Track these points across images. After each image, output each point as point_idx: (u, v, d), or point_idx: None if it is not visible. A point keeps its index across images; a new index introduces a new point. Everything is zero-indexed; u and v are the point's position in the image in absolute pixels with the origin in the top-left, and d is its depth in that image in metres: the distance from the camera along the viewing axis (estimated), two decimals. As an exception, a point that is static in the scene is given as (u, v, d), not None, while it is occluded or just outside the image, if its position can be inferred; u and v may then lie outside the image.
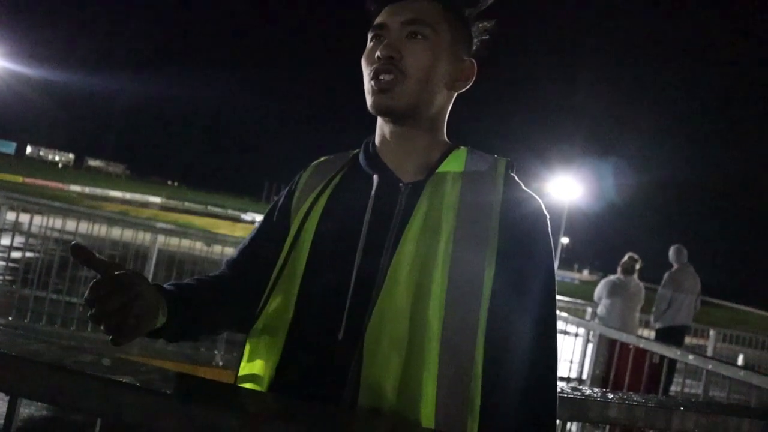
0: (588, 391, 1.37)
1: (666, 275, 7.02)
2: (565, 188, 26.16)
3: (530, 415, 0.94)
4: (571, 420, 1.35)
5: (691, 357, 3.61)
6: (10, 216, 5.94)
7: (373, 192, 1.01)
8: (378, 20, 1.05)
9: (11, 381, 0.78)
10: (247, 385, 1.01)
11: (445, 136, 1.10)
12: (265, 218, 1.15)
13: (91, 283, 0.80)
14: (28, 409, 3.51)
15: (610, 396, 1.35)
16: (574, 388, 1.38)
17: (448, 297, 0.92)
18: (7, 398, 0.80)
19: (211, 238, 7.15)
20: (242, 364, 1.04)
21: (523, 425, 0.94)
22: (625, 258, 6.74)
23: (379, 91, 1.00)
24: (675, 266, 7.07)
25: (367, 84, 1.02)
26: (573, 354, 6.66)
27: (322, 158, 1.17)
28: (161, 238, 6.27)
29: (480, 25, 1.10)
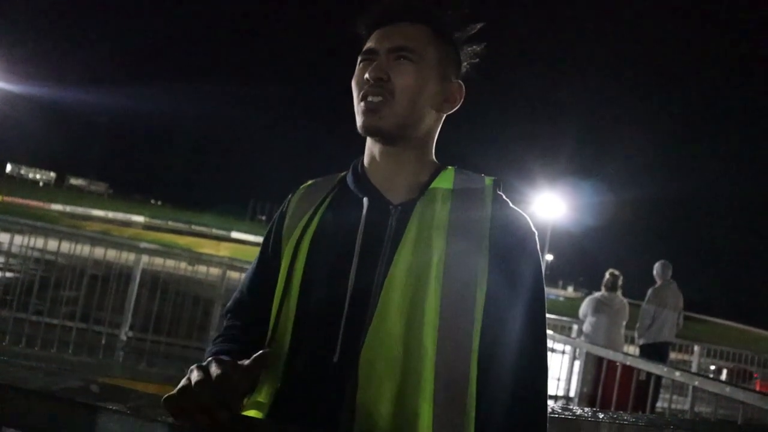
0: (579, 411, 1.37)
1: (649, 291, 7.07)
2: (550, 206, 26.37)
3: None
4: (563, 440, 1.35)
5: (677, 374, 3.63)
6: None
7: (363, 215, 1.01)
8: (368, 45, 1.07)
9: (-4, 409, 0.76)
10: (251, 411, 1.00)
11: (434, 157, 1.12)
12: (261, 250, 1.15)
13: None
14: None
15: (601, 416, 1.35)
16: (564, 408, 1.38)
17: (441, 318, 0.93)
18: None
19: (195, 258, 7.09)
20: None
21: None
22: (607, 275, 6.80)
23: (368, 111, 1.01)
24: (658, 282, 7.13)
25: (357, 105, 1.04)
26: (560, 371, 6.67)
27: (310, 182, 1.17)
28: (145, 258, 6.20)
29: (469, 48, 1.12)
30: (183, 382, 0.77)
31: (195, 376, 0.77)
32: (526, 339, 0.97)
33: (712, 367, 10.12)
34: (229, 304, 1.17)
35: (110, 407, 0.74)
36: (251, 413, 0.99)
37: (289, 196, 1.16)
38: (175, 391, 0.76)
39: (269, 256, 1.11)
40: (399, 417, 0.90)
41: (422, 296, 0.94)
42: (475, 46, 1.12)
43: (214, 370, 0.78)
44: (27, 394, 0.76)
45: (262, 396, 1.01)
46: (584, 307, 6.91)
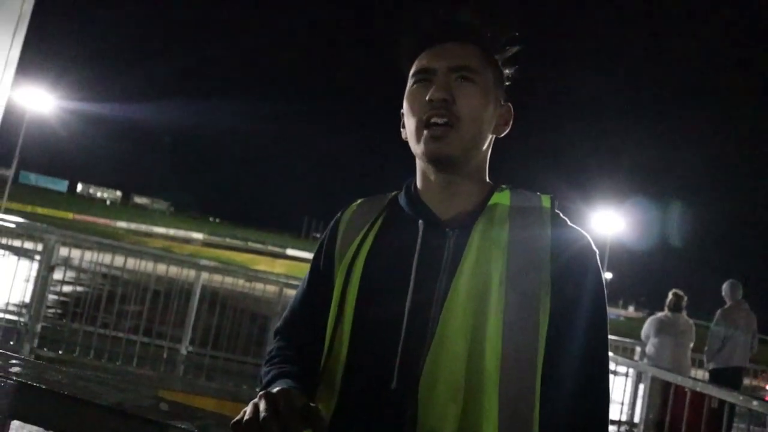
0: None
1: (718, 312, 6.73)
2: (608, 222, 25.65)
3: None
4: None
5: (755, 403, 3.41)
6: (62, 252, 6.15)
7: (419, 237, 0.99)
8: (422, 64, 1.03)
9: (72, 423, 0.79)
10: None
11: (487, 178, 1.09)
12: (311, 270, 1.13)
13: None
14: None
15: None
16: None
17: (504, 341, 0.90)
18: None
19: (252, 275, 7.23)
20: None
21: None
22: (670, 295, 6.51)
23: (433, 138, 0.98)
24: (728, 303, 6.77)
25: (417, 129, 1.00)
26: (623, 395, 6.39)
27: (360, 200, 1.16)
28: (204, 275, 6.37)
29: (508, 70, 1.09)
30: (250, 409, 0.77)
31: (263, 407, 0.76)
32: (588, 364, 0.94)
33: None
34: (279, 324, 1.15)
35: (179, 425, 0.75)
36: None
37: (339, 214, 1.14)
38: (243, 418, 0.76)
39: (321, 275, 1.09)
40: None
41: (484, 319, 0.91)
42: (513, 68, 1.09)
43: (283, 404, 0.76)
44: (100, 409, 0.78)
45: None
46: (646, 327, 6.63)
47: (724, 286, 6.86)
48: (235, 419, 0.76)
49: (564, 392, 0.92)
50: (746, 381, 8.47)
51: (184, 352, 6.09)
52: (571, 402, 0.92)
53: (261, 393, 0.79)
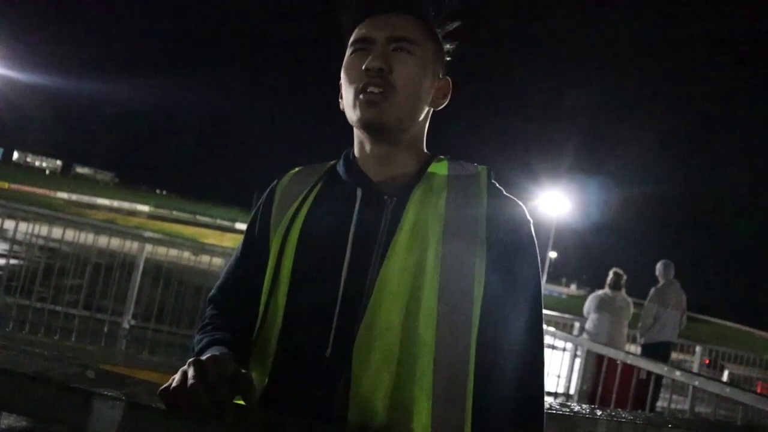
0: (576, 408, 1.37)
1: (652, 291, 7.06)
2: (554, 203, 26.32)
3: (519, 428, 0.94)
4: (560, 436, 1.35)
5: (678, 373, 3.62)
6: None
7: (356, 205, 0.99)
8: (361, 32, 1.03)
9: (-8, 393, 0.76)
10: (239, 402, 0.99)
11: (425, 149, 1.10)
12: (245, 238, 1.12)
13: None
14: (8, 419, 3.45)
15: (599, 413, 1.35)
16: (562, 405, 1.37)
17: (440, 309, 0.91)
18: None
19: (198, 247, 7.11)
20: None
21: None
22: (610, 273, 6.80)
23: (368, 104, 0.98)
24: (661, 282, 7.11)
25: (352, 97, 1.00)
26: (560, 369, 6.66)
27: (297, 168, 1.15)
28: (149, 247, 6.22)
29: (449, 44, 1.10)
30: (179, 377, 0.76)
31: (192, 374, 0.76)
32: (523, 334, 0.96)
33: (726, 372, 10.06)
34: (213, 292, 1.14)
35: (105, 393, 0.74)
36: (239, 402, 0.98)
37: (275, 182, 1.13)
38: (171, 385, 0.75)
39: (255, 243, 1.08)
40: (395, 409, 0.89)
41: (419, 288, 0.92)
42: (453, 44, 1.10)
43: (213, 370, 0.76)
44: (23, 379, 0.76)
45: None
46: (587, 304, 6.91)
47: (658, 266, 7.19)
48: (163, 386, 0.75)
49: (500, 363, 0.94)
50: (675, 355, 8.95)
51: (126, 326, 5.95)
52: (509, 373, 0.94)
53: (190, 360, 0.79)
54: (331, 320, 0.93)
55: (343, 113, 1.06)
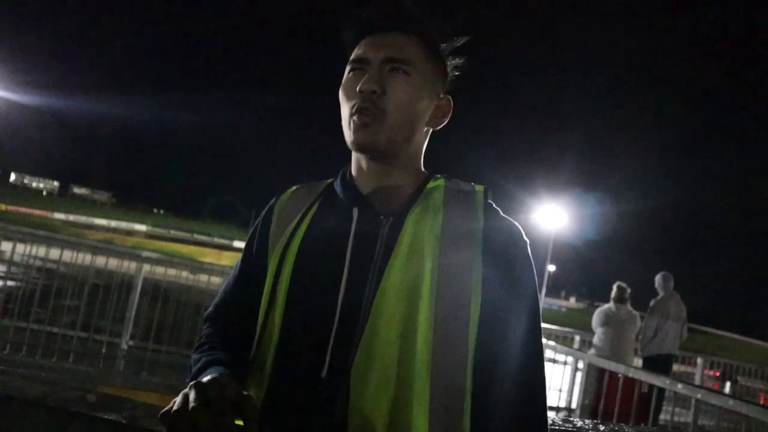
0: (579, 423, 1.36)
1: (651, 303, 7.05)
2: (552, 216, 26.35)
3: None
4: (563, 453, 1.33)
5: (680, 386, 3.60)
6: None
7: (353, 225, 0.99)
8: (358, 53, 1.03)
9: (-8, 419, 0.76)
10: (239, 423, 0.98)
11: (422, 168, 1.09)
12: (243, 256, 1.12)
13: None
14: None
15: (602, 428, 1.34)
16: (565, 420, 1.36)
17: (436, 328, 0.90)
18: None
19: (197, 267, 7.08)
20: None
21: None
22: (614, 288, 6.79)
23: (359, 127, 0.98)
24: (661, 294, 7.10)
25: (347, 118, 1.00)
26: (562, 383, 6.62)
27: (294, 187, 1.14)
28: (147, 267, 6.20)
29: (453, 61, 1.10)
30: (180, 400, 0.76)
31: (193, 397, 0.75)
32: (523, 350, 0.95)
33: (728, 384, 10.03)
34: (209, 311, 1.14)
35: (106, 417, 0.74)
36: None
37: (273, 200, 1.12)
38: (172, 409, 0.75)
39: (253, 261, 1.08)
40: (393, 430, 0.88)
41: (415, 308, 0.92)
42: (459, 59, 1.10)
43: (214, 393, 0.76)
44: (23, 404, 0.76)
45: None
46: (594, 319, 6.90)
47: (657, 278, 7.18)
48: (164, 410, 0.75)
49: (502, 380, 0.93)
50: (677, 367, 8.91)
51: (124, 346, 5.92)
52: (510, 390, 0.93)
53: (191, 383, 0.78)
54: (328, 341, 0.93)
55: (341, 131, 1.06)
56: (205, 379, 0.80)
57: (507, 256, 0.98)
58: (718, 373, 10.48)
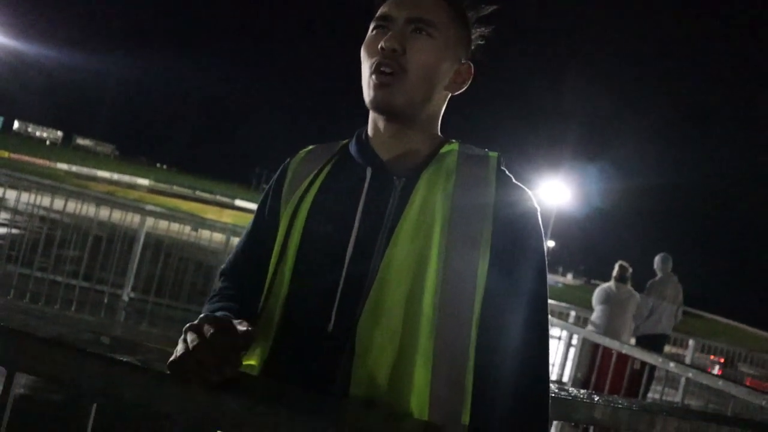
0: (574, 392, 1.39)
1: (649, 283, 7.10)
2: (553, 192, 26.29)
3: (523, 410, 0.95)
4: (558, 419, 1.37)
5: (672, 365, 3.66)
6: (-3, 191, 5.88)
7: (366, 185, 1.00)
8: (383, 10, 1.03)
9: (10, 355, 0.78)
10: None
11: (439, 133, 1.10)
12: (257, 213, 1.14)
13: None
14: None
15: (596, 398, 1.37)
16: (560, 388, 1.40)
17: (442, 290, 0.92)
18: (4, 372, 0.81)
19: (199, 222, 7.12)
20: None
21: (516, 419, 0.94)
22: (616, 266, 6.82)
23: (379, 86, 0.98)
24: (659, 275, 7.15)
25: (367, 76, 1.01)
26: (555, 356, 6.72)
27: (310, 147, 1.16)
28: (149, 221, 6.23)
29: (479, 29, 1.10)
30: (180, 346, 0.79)
31: (191, 338, 0.78)
32: (528, 315, 0.97)
33: (717, 367, 10.19)
34: (224, 266, 1.16)
35: (121, 359, 0.76)
36: None
37: (288, 160, 1.14)
38: (176, 356, 0.77)
39: (266, 219, 1.10)
40: (396, 385, 0.91)
41: (423, 268, 0.93)
42: (484, 28, 1.10)
43: (207, 329, 0.79)
44: (41, 342, 0.78)
45: (253, 360, 1.02)
46: (594, 296, 6.96)
47: (656, 259, 7.23)
48: (170, 360, 0.77)
49: (506, 345, 0.95)
50: (668, 348, 9.03)
51: (125, 298, 6.00)
52: (514, 356, 0.95)
53: (185, 327, 0.81)
54: (334, 296, 0.95)
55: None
56: (196, 320, 0.82)
57: (517, 222, 1.00)
58: (722, 360, 10.64)
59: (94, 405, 0.88)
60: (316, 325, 0.95)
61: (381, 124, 1.05)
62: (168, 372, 0.76)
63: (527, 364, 0.96)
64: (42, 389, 3.53)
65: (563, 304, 8.95)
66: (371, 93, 0.99)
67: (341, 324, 0.94)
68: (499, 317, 0.96)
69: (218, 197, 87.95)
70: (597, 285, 7.05)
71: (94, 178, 74.39)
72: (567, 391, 1.38)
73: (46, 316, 4.84)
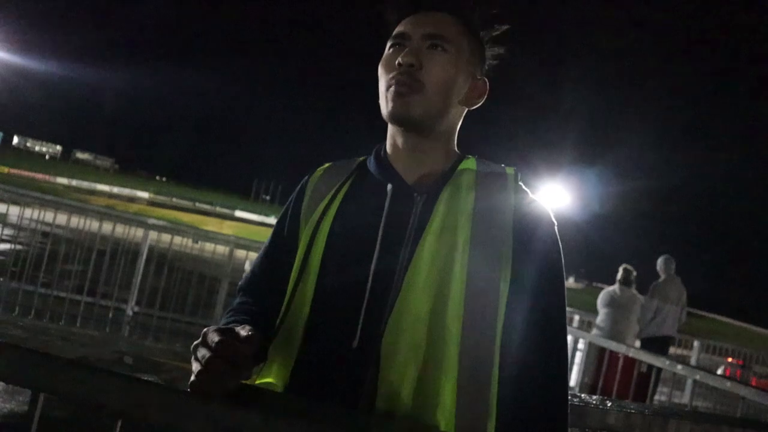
0: (587, 398, 1.40)
1: (652, 285, 7.09)
2: (553, 196, 26.29)
3: (545, 423, 0.96)
4: (571, 426, 1.38)
5: (679, 367, 3.66)
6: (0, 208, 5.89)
7: (387, 201, 1.01)
8: (399, 29, 1.06)
9: (34, 376, 0.79)
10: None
11: (456, 148, 1.12)
12: (275, 230, 1.15)
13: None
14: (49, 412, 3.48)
15: (609, 404, 1.38)
16: (572, 395, 1.41)
17: (466, 303, 0.93)
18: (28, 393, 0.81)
19: (202, 234, 7.14)
20: (262, 371, 1.04)
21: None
22: (620, 270, 6.83)
23: (396, 98, 1.00)
24: (662, 277, 7.14)
25: (384, 90, 1.03)
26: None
27: (327, 164, 1.17)
28: (153, 235, 6.24)
29: (492, 49, 1.12)
30: (194, 365, 0.80)
31: (201, 354, 0.80)
32: (548, 329, 0.99)
33: (722, 367, 10.16)
34: (241, 282, 1.17)
35: (145, 378, 0.77)
36: None
37: (306, 177, 1.15)
38: (194, 377, 0.79)
39: (285, 236, 1.11)
40: (421, 400, 0.91)
41: (447, 282, 0.94)
42: (497, 48, 1.12)
43: (212, 340, 0.80)
44: (65, 363, 0.79)
45: (273, 377, 1.02)
46: (598, 300, 6.96)
47: (659, 261, 7.22)
48: (190, 381, 0.79)
49: (526, 356, 0.96)
50: (673, 350, 9.02)
51: (130, 312, 6.00)
52: (534, 366, 0.96)
53: (193, 345, 0.82)
54: (359, 312, 0.96)
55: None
56: (208, 337, 0.82)
57: (536, 237, 1.01)
58: (741, 362, 10.60)
59: (119, 421, 0.88)
60: (341, 341, 0.96)
61: (400, 140, 1.06)
62: (190, 391, 0.77)
63: (548, 377, 0.98)
64: (66, 408, 3.53)
65: (567, 309, 8.94)
66: (389, 105, 1.01)
67: (366, 339, 0.95)
68: (520, 331, 0.97)
69: (218, 209, 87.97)
70: (599, 288, 7.05)
71: (94, 192, 74.44)
72: (579, 397, 1.39)
73: (50, 331, 4.84)
